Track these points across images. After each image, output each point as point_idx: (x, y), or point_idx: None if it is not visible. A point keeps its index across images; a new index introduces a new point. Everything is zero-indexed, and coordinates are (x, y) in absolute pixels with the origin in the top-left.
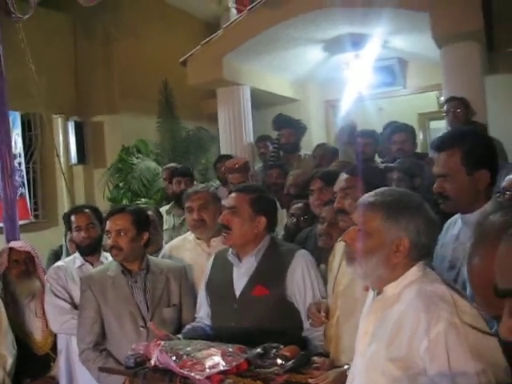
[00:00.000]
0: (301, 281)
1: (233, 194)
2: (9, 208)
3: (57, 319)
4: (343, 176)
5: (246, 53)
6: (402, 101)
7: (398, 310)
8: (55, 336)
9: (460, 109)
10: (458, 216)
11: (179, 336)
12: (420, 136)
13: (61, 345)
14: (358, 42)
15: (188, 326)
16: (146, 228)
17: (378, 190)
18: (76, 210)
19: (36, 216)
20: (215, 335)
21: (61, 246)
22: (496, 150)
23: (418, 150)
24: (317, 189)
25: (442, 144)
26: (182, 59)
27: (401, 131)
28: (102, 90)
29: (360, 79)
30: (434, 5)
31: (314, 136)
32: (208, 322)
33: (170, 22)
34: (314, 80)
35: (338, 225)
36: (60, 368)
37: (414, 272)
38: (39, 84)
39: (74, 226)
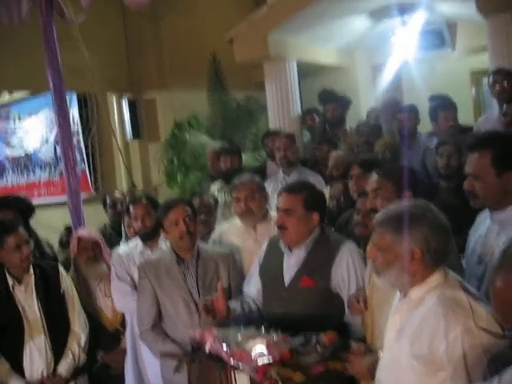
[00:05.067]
0: (345, 273)
1: (284, 196)
2: (73, 196)
3: (119, 300)
4: (374, 177)
5: (291, 27)
6: (453, 60)
7: (420, 312)
8: (123, 313)
9: (506, 82)
10: (487, 212)
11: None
12: (472, 92)
13: (127, 320)
14: (404, 8)
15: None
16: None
17: (387, 208)
18: (133, 200)
19: (96, 189)
20: (263, 317)
21: (105, 225)
22: None
23: (471, 107)
24: (355, 175)
25: (473, 144)
26: (228, 38)
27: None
28: (153, 67)
29: (407, 43)
30: None
31: (363, 101)
32: (256, 298)
33: None
34: (361, 47)
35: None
36: (126, 341)
37: (436, 278)
38: (92, 63)
39: (131, 215)
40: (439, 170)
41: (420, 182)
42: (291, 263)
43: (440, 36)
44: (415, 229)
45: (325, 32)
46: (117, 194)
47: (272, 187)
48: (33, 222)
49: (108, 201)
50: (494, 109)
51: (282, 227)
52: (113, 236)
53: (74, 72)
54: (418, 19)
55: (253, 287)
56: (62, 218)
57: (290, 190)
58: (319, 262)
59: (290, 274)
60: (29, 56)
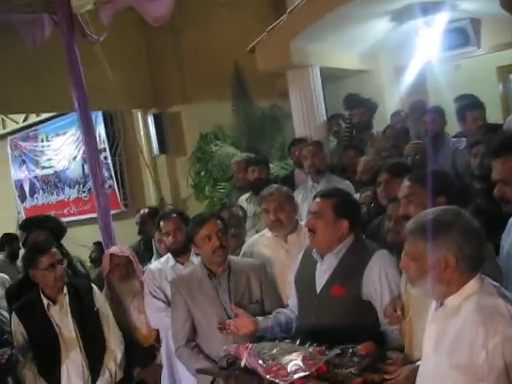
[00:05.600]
0: (377, 281)
1: (317, 199)
2: (103, 213)
3: (153, 316)
4: (406, 183)
5: (313, 35)
6: (478, 57)
7: (457, 321)
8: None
9: None
10: None
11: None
12: (500, 88)
13: (161, 336)
14: (426, 8)
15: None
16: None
17: (416, 216)
18: (164, 215)
19: (126, 205)
20: (298, 328)
21: (139, 241)
22: None
23: (498, 104)
24: (383, 181)
25: (496, 150)
26: (249, 47)
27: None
28: (176, 81)
29: (431, 43)
30: None
31: (388, 104)
32: (295, 307)
33: (234, 3)
34: (384, 49)
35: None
36: (162, 356)
37: (472, 285)
38: (115, 80)
39: (162, 230)
40: (472, 170)
41: (453, 186)
42: (323, 270)
43: (464, 34)
44: (447, 236)
45: (347, 37)
46: (145, 211)
47: (301, 196)
48: (63, 240)
49: (136, 218)
50: None
51: (311, 230)
52: (145, 252)
53: (98, 90)
54: (441, 18)
55: (292, 298)
56: (92, 234)
57: (323, 194)
58: (350, 270)
59: (322, 282)
60: (53, 77)
